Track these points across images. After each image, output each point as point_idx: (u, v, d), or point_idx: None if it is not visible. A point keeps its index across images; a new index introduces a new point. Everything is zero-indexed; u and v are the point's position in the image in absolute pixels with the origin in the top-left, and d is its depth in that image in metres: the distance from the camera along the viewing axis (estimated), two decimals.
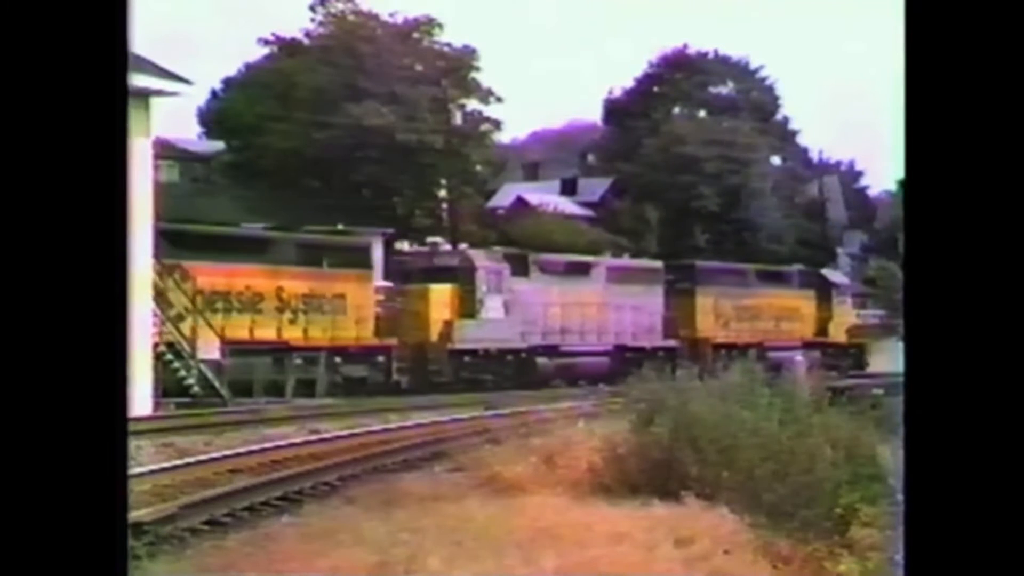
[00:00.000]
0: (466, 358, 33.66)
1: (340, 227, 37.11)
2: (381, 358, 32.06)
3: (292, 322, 30.42)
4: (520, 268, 35.89)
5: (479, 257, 35.30)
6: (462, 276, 34.29)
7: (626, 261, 42.55)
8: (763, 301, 44.22)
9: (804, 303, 46.24)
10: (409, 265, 35.02)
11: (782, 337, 43.30)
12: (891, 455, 11.85)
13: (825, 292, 47.35)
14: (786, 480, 11.75)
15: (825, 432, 12.76)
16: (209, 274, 28.42)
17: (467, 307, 34.11)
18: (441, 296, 33.81)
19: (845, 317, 48.22)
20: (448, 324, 33.65)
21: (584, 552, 9.33)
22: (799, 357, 33.83)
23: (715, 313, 42.35)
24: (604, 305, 37.96)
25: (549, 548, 9.29)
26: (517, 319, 35.20)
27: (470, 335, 33.77)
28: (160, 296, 26.16)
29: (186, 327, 26.86)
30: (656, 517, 10.77)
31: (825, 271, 50.39)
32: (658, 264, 42.04)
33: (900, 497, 5.84)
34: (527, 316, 35.47)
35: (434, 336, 33.33)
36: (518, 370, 34.51)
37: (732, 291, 43.25)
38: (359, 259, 33.18)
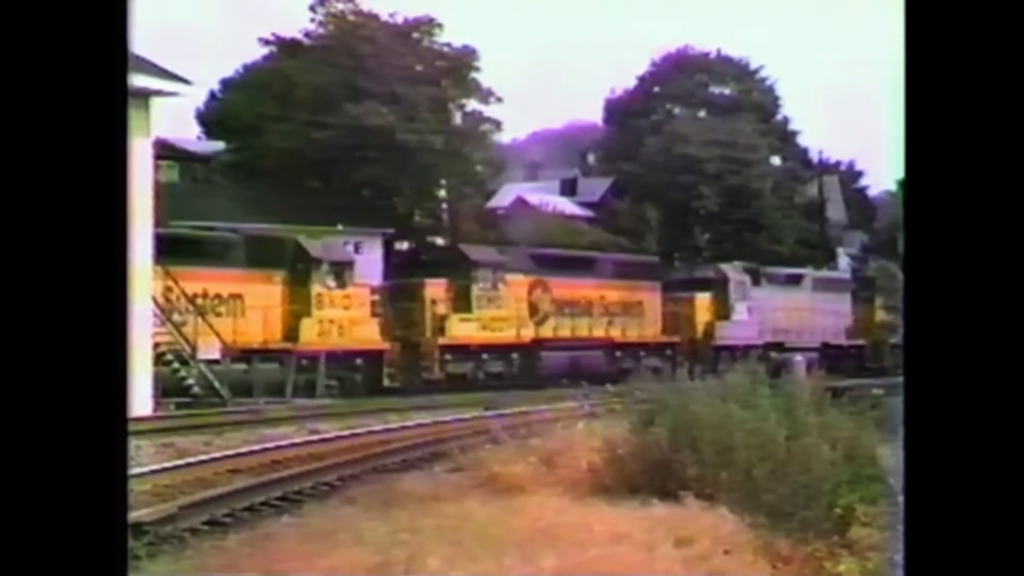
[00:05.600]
0: (723, 353, 39.00)
1: (340, 227, 37.14)
2: (669, 351, 39.13)
3: (610, 323, 38.91)
4: (754, 278, 44.21)
5: (730, 270, 43.58)
6: (716, 285, 42.60)
7: (825, 273, 50.90)
8: None
9: None
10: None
11: None
12: (891, 455, 11.85)
13: None
14: (786, 480, 11.75)
15: (825, 432, 12.75)
16: (559, 287, 37.33)
17: (721, 311, 42.27)
18: (704, 302, 42.11)
19: None
20: (709, 325, 41.74)
21: (584, 552, 9.32)
22: (799, 357, 34.02)
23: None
24: (812, 310, 45.89)
25: (549, 548, 9.28)
26: (755, 321, 42.83)
27: (725, 334, 41.30)
28: (534, 307, 36.41)
29: (529, 332, 36.10)
30: (656, 517, 10.77)
31: None
32: (847, 275, 51.42)
33: (900, 498, 5.85)
34: (761, 318, 43.23)
35: (700, 334, 41.17)
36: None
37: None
38: (650, 273, 41.71)
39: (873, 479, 12.47)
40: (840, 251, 65.76)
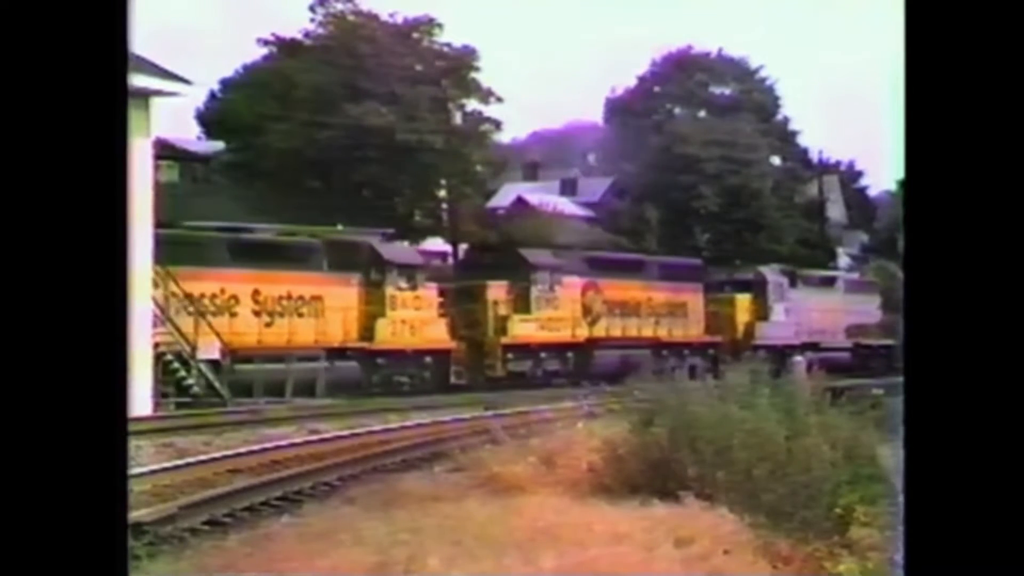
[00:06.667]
0: (761, 352, 39.43)
1: (340, 227, 37.14)
2: (711, 351, 40.37)
3: (657, 324, 40.41)
4: (791, 280, 45.87)
5: (768, 272, 45.20)
6: (756, 287, 44.17)
7: (857, 276, 53.37)
8: None
9: None
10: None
11: None
12: (891, 455, 11.85)
13: None
14: (785, 480, 11.74)
15: (825, 432, 12.75)
16: (610, 289, 39.27)
17: (760, 312, 43.82)
18: (744, 303, 43.74)
19: None
20: (749, 325, 43.23)
21: (584, 552, 9.32)
22: (799, 357, 34.15)
23: None
24: (844, 311, 47.52)
25: (549, 548, 9.29)
26: (792, 321, 44.40)
27: (764, 334, 42.58)
28: (587, 308, 38.19)
29: (583, 332, 37.64)
30: (656, 517, 10.77)
31: None
32: (876, 279, 53.10)
33: (900, 499, 5.84)
34: (797, 319, 44.78)
35: (740, 334, 42.48)
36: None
37: None
38: (693, 275, 43.12)
39: (873, 479, 12.46)
40: (840, 251, 65.76)
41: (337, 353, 31.03)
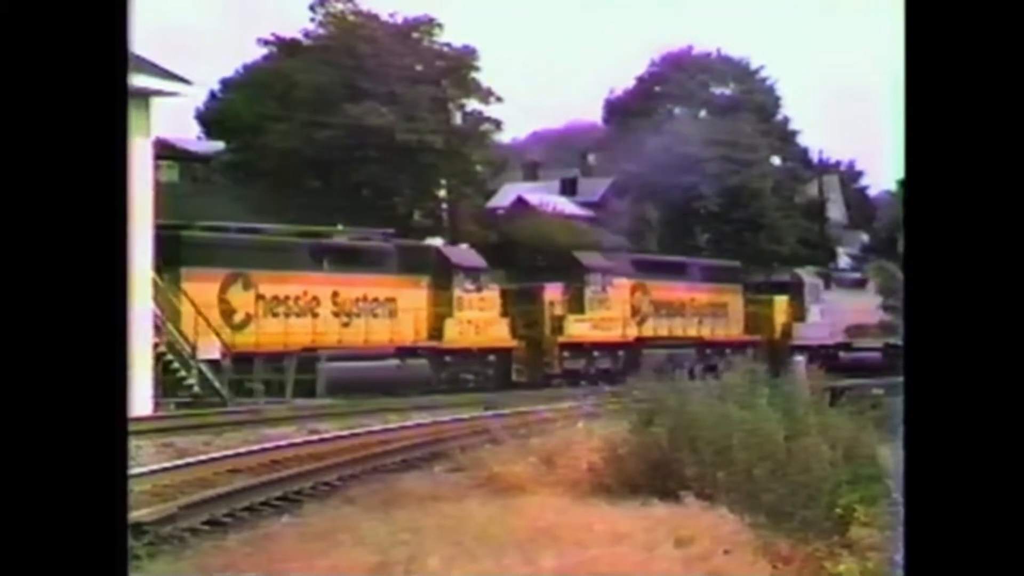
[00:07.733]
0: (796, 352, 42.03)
1: (340, 227, 37.18)
2: (749, 350, 41.07)
3: (700, 323, 42.22)
4: (825, 282, 47.85)
5: (805, 275, 47.13)
6: (792, 289, 46.05)
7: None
8: None
9: None
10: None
11: None
12: (891, 455, 11.85)
13: None
14: (785, 480, 11.74)
15: (825, 432, 12.75)
16: (657, 290, 41.24)
17: (797, 313, 45.53)
18: (781, 305, 45.52)
19: None
20: (787, 325, 45.07)
21: (584, 552, 9.32)
22: (799, 357, 34.15)
23: None
24: (875, 311, 48.45)
25: (549, 548, 9.29)
26: (827, 322, 46.02)
27: (801, 334, 44.34)
28: (635, 308, 40.03)
29: (633, 331, 39.41)
30: (656, 517, 10.77)
31: None
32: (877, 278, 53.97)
33: (897, 496, 5.84)
34: (831, 320, 46.35)
35: (778, 334, 44.41)
36: (828, 362, 40.17)
37: None
38: (732, 276, 44.90)
39: (873, 479, 12.46)
40: (840, 251, 65.72)
41: (409, 352, 32.65)
